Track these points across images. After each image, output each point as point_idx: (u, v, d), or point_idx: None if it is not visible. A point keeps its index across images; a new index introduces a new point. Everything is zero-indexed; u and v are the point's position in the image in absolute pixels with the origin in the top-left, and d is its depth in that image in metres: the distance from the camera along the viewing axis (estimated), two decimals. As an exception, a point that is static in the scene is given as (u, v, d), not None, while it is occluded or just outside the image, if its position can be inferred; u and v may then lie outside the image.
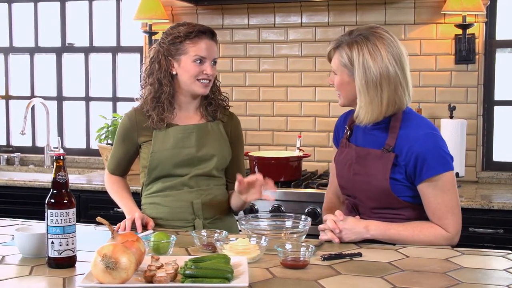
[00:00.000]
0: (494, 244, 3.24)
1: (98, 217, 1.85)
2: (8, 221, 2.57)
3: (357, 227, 2.18)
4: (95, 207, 3.81)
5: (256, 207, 3.54)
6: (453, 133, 3.70)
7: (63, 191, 1.89)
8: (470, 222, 3.30)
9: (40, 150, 4.78)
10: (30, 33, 4.88)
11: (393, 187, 2.18)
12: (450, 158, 2.19)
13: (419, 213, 2.24)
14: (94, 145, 4.67)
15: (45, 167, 4.64)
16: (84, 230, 2.40)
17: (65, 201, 1.87)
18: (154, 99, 2.50)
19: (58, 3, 4.77)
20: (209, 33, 2.48)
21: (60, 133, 4.81)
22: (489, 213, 3.29)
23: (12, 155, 4.78)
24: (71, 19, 4.79)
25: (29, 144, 4.90)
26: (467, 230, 3.29)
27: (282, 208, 3.51)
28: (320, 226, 2.22)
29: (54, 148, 4.65)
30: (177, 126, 2.53)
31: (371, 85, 2.15)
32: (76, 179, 4.06)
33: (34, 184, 3.96)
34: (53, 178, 1.89)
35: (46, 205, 1.87)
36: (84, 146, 4.78)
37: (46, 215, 1.87)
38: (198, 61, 2.45)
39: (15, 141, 4.93)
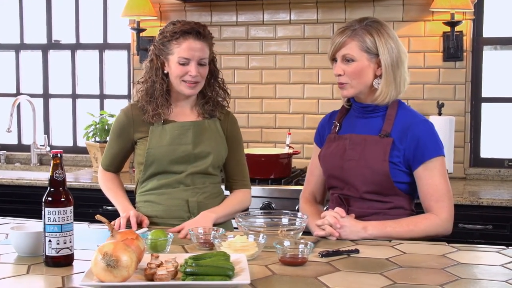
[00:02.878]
0: (483, 240, 3.27)
1: (98, 215, 1.84)
2: (0, 219, 2.54)
3: (356, 226, 2.20)
4: (83, 205, 3.77)
5: (246, 204, 3.55)
6: (442, 130, 3.71)
7: (61, 189, 1.87)
8: (459, 218, 3.29)
9: (26, 148, 4.73)
10: (16, 29, 4.82)
11: (390, 170, 2.25)
12: (442, 145, 2.32)
13: (406, 204, 2.33)
14: (81, 142, 4.63)
15: (32, 165, 4.59)
16: (76, 228, 2.38)
17: (63, 199, 1.86)
18: (148, 95, 2.51)
19: (44, -1, 4.73)
20: (195, 33, 2.43)
21: (47, 130, 4.77)
22: (478, 209, 3.32)
23: (-2, 152, 4.74)
24: (57, 15, 4.75)
25: (15, 141, 4.85)
26: (457, 226, 3.30)
27: (273, 205, 3.52)
28: (318, 222, 2.23)
29: (40, 145, 4.61)
30: (174, 123, 2.52)
31: (395, 64, 2.28)
32: (64, 177, 4.02)
33: (21, 182, 3.93)
34: (50, 176, 1.87)
35: (43, 203, 1.85)
36: (71, 144, 4.74)
37: (43, 213, 1.85)
38: (183, 62, 2.44)
39: (1, 139, 4.87)
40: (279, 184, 3.61)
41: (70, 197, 1.88)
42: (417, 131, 2.26)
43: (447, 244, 2.17)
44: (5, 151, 4.72)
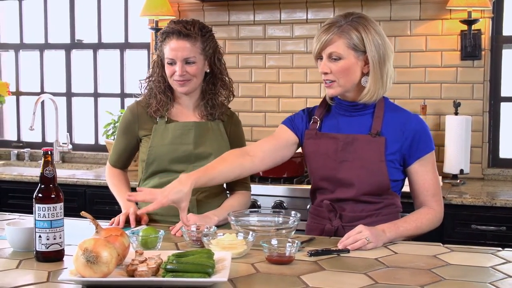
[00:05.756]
0: (496, 241, 3.21)
1: (82, 212, 1.87)
2: (7, 215, 2.60)
3: (377, 230, 2.11)
4: (101, 202, 3.84)
5: (258, 203, 3.56)
6: (458, 130, 3.68)
7: (51, 185, 1.91)
8: (472, 219, 3.28)
9: (50, 146, 4.81)
10: (40, 30, 4.92)
11: (388, 169, 2.22)
12: (433, 139, 2.32)
13: (396, 201, 2.31)
14: (102, 140, 4.71)
15: (54, 162, 4.66)
16: (82, 225, 2.42)
17: (53, 196, 1.90)
18: (151, 91, 2.59)
19: (67, 0, 4.80)
20: (177, 33, 2.46)
21: (69, 128, 4.85)
22: (492, 210, 3.26)
23: (22, 150, 4.83)
24: (80, 16, 4.83)
25: (39, 139, 4.95)
26: (469, 227, 3.28)
27: (285, 204, 3.52)
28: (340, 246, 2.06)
29: (63, 143, 4.69)
30: (176, 123, 2.56)
31: (382, 61, 2.22)
32: (83, 175, 4.10)
33: (42, 179, 3.99)
34: (41, 173, 1.92)
35: (34, 200, 1.90)
36: (92, 142, 4.82)
37: (34, 209, 1.90)
38: (170, 62, 2.49)
39: (25, 137, 5.00)
40: (291, 183, 3.61)
41: (60, 194, 1.92)
42: (412, 127, 2.24)
43: (441, 244, 2.15)
44: (29, 149, 4.81)
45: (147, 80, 2.61)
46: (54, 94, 4.80)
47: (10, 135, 5.09)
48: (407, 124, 2.25)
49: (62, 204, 1.92)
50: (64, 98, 4.87)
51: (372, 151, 2.23)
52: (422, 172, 2.25)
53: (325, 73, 2.24)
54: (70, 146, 4.70)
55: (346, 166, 2.25)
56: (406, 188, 2.35)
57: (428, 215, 2.24)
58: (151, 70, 2.61)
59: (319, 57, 2.26)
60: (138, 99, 2.68)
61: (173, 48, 2.47)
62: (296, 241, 1.94)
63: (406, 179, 2.33)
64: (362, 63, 2.23)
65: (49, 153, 1.92)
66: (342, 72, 2.21)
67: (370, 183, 2.23)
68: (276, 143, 2.40)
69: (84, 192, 3.89)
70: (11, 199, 4.07)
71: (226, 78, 2.62)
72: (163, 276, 1.67)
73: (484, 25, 3.81)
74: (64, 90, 4.88)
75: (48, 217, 1.88)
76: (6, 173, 4.21)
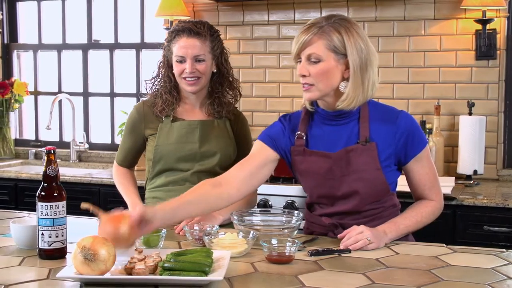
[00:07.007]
0: (509, 243, 3.18)
1: (82, 204, 1.88)
2: (17, 213, 2.64)
3: (378, 232, 2.11)
4: (115, 201, 3.85)
5: (270, 202, 3.56)
6: (472, 130, 3.65)
7: (54, 184, 1.93)
8: (484, 220, 3.25)
9: (67, 145, 4.86)
10: (58, 30, 4.98)
11: (385, 174, 2.16)
12: (423, 131, 2.31)
13: (395, 200, 2.29)
14: (118, 140, 4.74)
15: (71, 161, 4.72)
16: (88, 223, 2.45)
17: (55, 194, 1.92)
18: (155, 91, 2.63)
19: (85, 1, 4.86)
20: (187, 31, 2.49)
21: (86, 128, 4.90)
22: (505, 211, 3.23)
23: (40, 149, 4.88)
24: (97, 16, 4.88)
25: (57, 138, 5.01)
26: (482, 228, 3.25)
27: (296, 204, 3.52)
28: (341, 246, 2.06)
29: (79, 143, 4.74)
30: (182, 121, 2.58)
31: (364, 66, 2.12)
32: (98, 174, 4.14)
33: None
34: (43, 171, 1.94)
35: (36, 198, 1.92)
36: (108, 141, 4.87)
37: (36, 207, 1.92)
38: (180, 60, 2.51)
39: (43, 136, 5.06)
40: (302, 183, 3.61)
41: (63, 192, 1.95)
42: (403, 126, 2.16)
43: (444, 245, 2.13)
44: (46, 148, 4.85)
45: (152, 81, 2.64)
46: (71, 94, 4.86)
47: (28, 134, 5.16)
48: (397, 125, 2.16)
49: (64, 202, 1.94)
50: (81, 98, 4.92)
51: (366, 160, 2.14)
52: (418, 168, 2.21)
53: (303, 76, 2.13)
54: (87, 145, 4.74)
55: (343, 182, 2.17)
56: (404, 188, 2.34)
57: (427, 208, 2.22)
58: (156, 70, 2.64)
59: (298, 59, 2.15)
60: (144, 98, 2.71)
61: (183, 46, 2.50)
62: (296, 241, 1.94)
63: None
64: (343, 67, 2.12)
65: (52, 152, 1.94)
66: (321, 75, 2.10)
67: (370, 194, 2.17)
68: (253, 166, 2.25)
69: (98, 191, 3.93)
70: (28, 197, 4.12)
71: (230, 76, 2.64)
72: (160, 274, 1.69)
73: (499, 25, 3.77)
74: (81, 90, 4.93)
75: (51, 215, 1.91)
76: (24, 172, 4.28)
